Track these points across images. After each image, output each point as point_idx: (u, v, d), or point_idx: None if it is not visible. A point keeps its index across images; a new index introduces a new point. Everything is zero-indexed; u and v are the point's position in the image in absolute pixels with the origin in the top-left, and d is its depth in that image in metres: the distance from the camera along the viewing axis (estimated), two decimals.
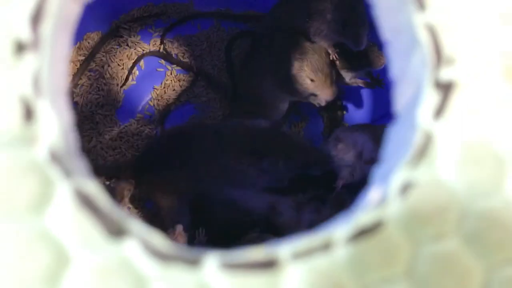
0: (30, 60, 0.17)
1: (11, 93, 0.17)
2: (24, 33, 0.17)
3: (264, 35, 0.52)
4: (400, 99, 0.20)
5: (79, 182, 0.17)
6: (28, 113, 0.17)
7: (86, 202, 0.16)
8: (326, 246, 0.17)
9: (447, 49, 0.19)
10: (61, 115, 0.18)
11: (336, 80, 0.50)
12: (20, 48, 0.17)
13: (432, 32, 0.19)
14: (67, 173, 0.17)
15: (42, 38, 0.17)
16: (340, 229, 0.17)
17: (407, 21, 0.19)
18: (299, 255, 0.17)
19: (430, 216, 0.18)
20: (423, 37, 0.19)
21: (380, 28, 0.21)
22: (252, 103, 0.53)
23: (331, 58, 0.49)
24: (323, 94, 0.48)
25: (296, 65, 0.47)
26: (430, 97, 0.18)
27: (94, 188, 0.17)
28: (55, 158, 0.17)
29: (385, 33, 0.21)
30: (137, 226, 0.17)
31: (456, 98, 0.18)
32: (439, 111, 0.18)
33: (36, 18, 0.17)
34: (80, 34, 0.55)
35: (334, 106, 0.57)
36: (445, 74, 0.19)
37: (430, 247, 0.18)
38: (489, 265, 0.18)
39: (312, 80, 0.47)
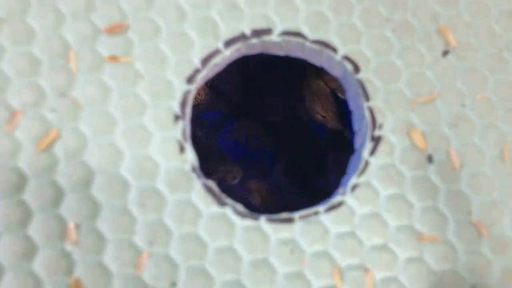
0: (180, 124, 0.37)
1: (173, 141, 0.37)
2: (178, 111, 0.37)
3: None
4: (356, 143, 0.40)
5: (204, 180, 0.37)
6: (181, 149, 0.37)
7: (208, 189, 0.37)
8: (316, 213, 0.37)
9: (379, 120, 0.38)
10: (190, 145, 0.38)
11: (338, 99, 0.69)
12: (176, 118, 0.37)
13: (372, 112, 0.38)
14: (198, 176, 0.37)
15: (186, 113, 0.37)
16: (322, 206, 0.37)
17: (360, 103, 0.39)
18: (303, 217, 0.37)
19: (366, 201, 0.38)
20: (367, 114, 0.38)
21: (349, 102, 0.41)
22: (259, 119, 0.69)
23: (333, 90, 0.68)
24: (332, 123, 0.68)
25: (308, 103, 0.66)
26: (368, 144, 0.38)
27: (211, 183, 0.37)
28: (194, 169, 0.37)
29: (351, 105, 0.41)
30: (230, 201, 0.37)
31: (381, 145, 0.38)
32: (372, 151, 0.38)
33: (183, 104, 0.37)
34: None
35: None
36: (377, 133, 0.38)
37: (366, 215, 0.37)
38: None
39: (323, 117, 0.66)
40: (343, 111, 0.70)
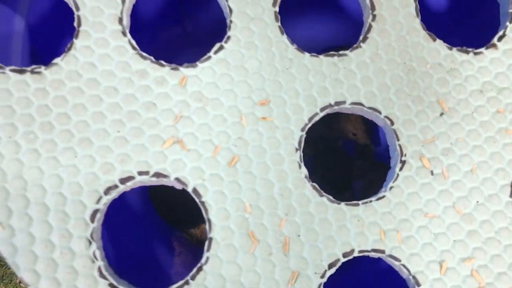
0: (298, 152, 0.71)
1: (295, 162, 0.71)
2: (297, 146, 0.71)
3: None
4: (391, 163, 0.73)
5: (311, 183, 0.70)
6: (300, 166, 0.70)
7: (314, 187, 0.70)
8: (370, 201, 0.70)
9: (404, 151, 0.72)
10: (303, 164, 0.71)
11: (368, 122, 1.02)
12: (296, 150, 0.71)
13: (400, 147, 0.72)
14: (308, 180, 0.70)
15: (301, 147, 0.71)
16: (374, 197, 0.71)
17: (394, 142, 0.72)
18: (364, 203, 0.70)
19: (396, 196, 0.71)
20: (397, 148, 0.72)
21: (388, 141, 0.74)
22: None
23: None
24: (361, 139, 1.01)
25: (341, 124, 0.99)
26: (398, 164, 0.71)
27: (315, 184, 0.70)
28: (306, 177, 0.70)
29: (388, 142, 0.74)
30: (325, 193, 0.70)
31: (406, 165, 0.71)
32: (401, 169, 0.71)
33: (299, 143, 0.71)
34: None
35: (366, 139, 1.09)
36: (403, 158, 0.71)
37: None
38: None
39: (354, 134, 0.99)
40: (371, 128, 1.01)
